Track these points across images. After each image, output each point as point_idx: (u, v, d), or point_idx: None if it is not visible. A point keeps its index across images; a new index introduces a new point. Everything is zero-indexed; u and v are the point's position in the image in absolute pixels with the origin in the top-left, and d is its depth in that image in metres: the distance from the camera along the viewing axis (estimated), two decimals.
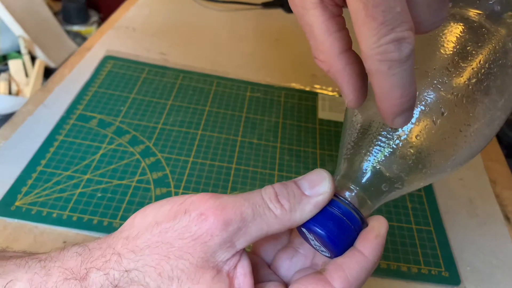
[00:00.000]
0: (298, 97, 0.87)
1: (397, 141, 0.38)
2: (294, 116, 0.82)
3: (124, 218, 0.60)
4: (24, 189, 0.62)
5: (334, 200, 0.39)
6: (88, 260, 0.35)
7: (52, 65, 1.90)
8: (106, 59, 0.88)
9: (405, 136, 0.38)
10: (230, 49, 0.99)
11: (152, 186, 0.65)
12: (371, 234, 0.38)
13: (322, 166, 0.73)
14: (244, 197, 0.36)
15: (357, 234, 0.39)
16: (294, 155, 0.74)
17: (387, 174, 0.39)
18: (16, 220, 0.58)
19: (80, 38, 2.18)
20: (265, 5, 1.17)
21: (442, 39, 0.39)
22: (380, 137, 0.39)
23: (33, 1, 1.94)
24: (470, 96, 0.38)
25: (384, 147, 0.39)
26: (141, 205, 0.62)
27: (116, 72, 0.85)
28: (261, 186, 0.67)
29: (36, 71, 1.79)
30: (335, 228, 0.37)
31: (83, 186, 0.63)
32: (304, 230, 0.39)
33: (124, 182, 0.65)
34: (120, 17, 1.02)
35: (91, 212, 0.60)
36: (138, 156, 0.69)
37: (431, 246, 0.64)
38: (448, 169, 0.41)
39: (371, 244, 0.38)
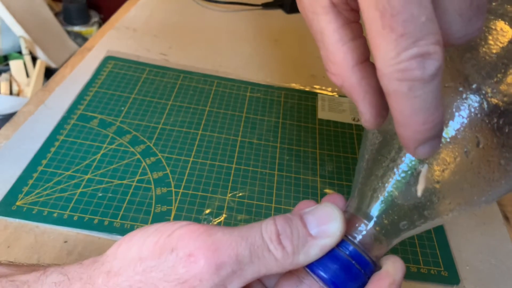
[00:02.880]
0: (298, 97, 0.87)
1: (422, 174, 0.33)
2: (294, 116, 0.82)
3: (124, 218, 0.60)
4: (25, 189, 0.62)
5: (343, 240, 0.35)
6: None
7: (53, 65, 1.90)
8: (107, 59, 0.88)
9: (430, 168, 0.33)
10: (230, 50, 0.99)
11: (152, 186, 0.65)
12: (384, 281, 0.34)
13: (322, 166, 0.73)
14: (241, 235, 0.32)
15: (368, 279, 0.34)
16: (294, 155, 0.74)
17: (407, 211, 0.35)
18: (17, 220, 0.58)
19: (80, 39, 2.18)
20: (265, 6, 1.17)
21: (481, 41, 0.33)
22: (401, 167, 0.34)
23: (34, 2, 1.94)
24: None
25: (405, 179, 0.34)
26: (141, 204, 0.62)
27: (116, 73, 0.85)
28: (261, 186, 0.67)
29: (37, 71, 1.79)
30: (341, 273, 0.33)
31: (84, 186, 0.63)
32: (307, 270, 0.35)
33: (124, 182, 0.65)
34: (121, 18, 1.02)
35: (92, 212, 0.60)
36: (138, 156, 0.69)
37: (430, 245, 0.64)
38: (482, 204, 0.35)
39: None
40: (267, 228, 0.33)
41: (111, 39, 0.95)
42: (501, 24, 0.32)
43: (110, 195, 0.63)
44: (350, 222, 0.36)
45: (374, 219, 0.35)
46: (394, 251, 0.62)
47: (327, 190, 0.69)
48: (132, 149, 0.70)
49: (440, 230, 0.66)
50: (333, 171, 0.72)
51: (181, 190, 0.65)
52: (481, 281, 0.61)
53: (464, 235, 0.66)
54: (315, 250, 0.33)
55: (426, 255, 0.63)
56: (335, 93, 0.89)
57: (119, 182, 0.65)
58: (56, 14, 2.18)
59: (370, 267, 0.35)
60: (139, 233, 0.34)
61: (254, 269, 0.31)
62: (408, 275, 0.60)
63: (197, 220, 0.61)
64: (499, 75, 0.31)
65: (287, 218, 0.33)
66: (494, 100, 0.30)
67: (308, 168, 0.72)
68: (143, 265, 0.31)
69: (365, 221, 0.35)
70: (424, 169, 0.33)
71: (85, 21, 2.26)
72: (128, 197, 0.63)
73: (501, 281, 0.61)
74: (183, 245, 0.31)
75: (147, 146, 0.71)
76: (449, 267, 0.62)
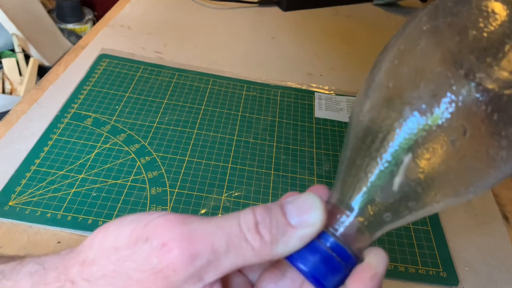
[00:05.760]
0: (295, 96, 0.87)
1: (405, 163, 0.32)
2: (291, 115, 0.82)
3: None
4: (18, 189, 0.61)
5: (324, 231, 0.34)
6: (39, 284, 0.32)
7: (46, 63, 1.90)
8: (101, 57, 0.87)
9: (415, 157, 0.32)
10: (226, 48, 0.98)
11: (147, 186, 0.65)
12: (366, 274, 0.33)
13: (319, 165, 0.73)
14: (217, 224, 0.31)
15: (349, 272, 0.33)
16: (290, 154, 0.74)
17: (391, 202, 0.34)
18: (9, 220, 0.58)
19: (74, 36, 2.17)
20: (261, 3, 1.17)
21: (471, 23, 0.32)
22: (384, 157, 0.33)
23: None
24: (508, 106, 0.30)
25: (388, 169, 0.33)
26: (136, 204, 0.62)
27: (111, 71, 0.84)
28: (257, 185, 0.67)
29: (30, 69, 1.78)
30: (321, 266, 0.33)
31: (77, 185, 0.63)
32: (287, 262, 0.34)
33: (119, 181, 0.65)
34: (115, 15, 1.02)
35: (86, 212, 0.60)
36: (133, 155, 0.69)
37: (429, 246, 0.64)
38: (469, 195, 0.34)
39: (366, 286, 0.32)
40: (245, 217, 0.32)
41: (105, 37, 0.94)
42: (492, 5, 0.32)
43: (104, 195, 0.63)
44: (332, 213, 0.35)
45: (356, 210, 0.34)
46: (391, 251, 0.62)
47: None
48: (126, 148, 0.70)
49: (438, 230, 0.66)
50: (330, 171, 0.72)
51: (176, 190, 0.65)
52: (481, 283, 0.61)
53: (463, 235, 0.66)
54: (294, 240, 0.32)
55: (425, 256, 0.63)
56: (332, 92, 0.89)
57: (113, 181, 0.65)
58: (49, 11, 2.17)
59: (352, 260, 0.34)
60: (116, 223, 0.33)
61: (231, 259, 0.31)
62: (406, 276, 0.60)
63: None
64: (488, 60, 0.30)
65: (267, 207, 0.33)
66: (483, 86, 0.30)
67: (305, 167, 0.72)
68: (117, 254, 0.31)
69: (347, 212, 0.34)
70: (404, 162, 0.32)
71: (79, 18, 2.25)
72: (122, 197, 0.63)
73: (501, 282, 0.61)
74: (158, 234, 0.31)
75: (142, 145, 0.71)
76: (448, 268, 0.62)
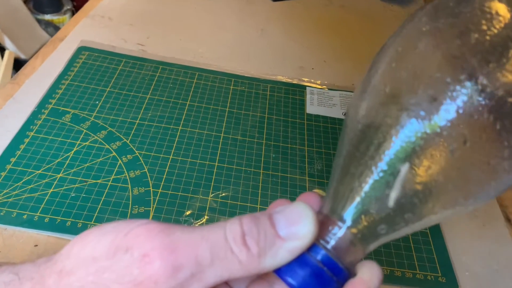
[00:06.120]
0: (285, 90, 0.87)
1: (402, 175, 0.32)
2: (281, 111, 0.83)
3: (99, 220, 0.60)
4: None
5: (315, 243, 0.33)
6: None
7: (22, 56, 1.89)
8: (80, 50, 0.87)
9: (412, 167, 0.32)
10: (212, 40, 0.99)
11: (129, 186, 0.65)
12: None
13: (310, 164, 0.73)
14: (202, 234, 0.31)
15: (341, 287, 0.33)
16: (280, 153, 0.74)
17: (386, 213, 0.33)
18: None
19: (52, 28, 2.16)
20: None
21: (474, 25, 0.31)
22: (379, 165, 0.32)
23: None
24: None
25: (384, 179, 0.32)
26: (117, 205, 0.62)
27: (91, 64, 0.85)
28: (245, 185, 0.67)
29: (5, 63, 1.77)
30: (311, 280, 0.32)
31: (55, 185, 0.63)
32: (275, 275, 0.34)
33: (99, 181, 0.65)
34: (95, 5, 1.02)
35: (64, 214, 0.60)
36: (114, 153, 0.69)
37: (427, 249, 0.64)
38: (469, 207, 0.34)
39: None
40: (232, 227, 0.31)
41: (85, 29, 0.94)
42: (496, 6, 0.31)
43: (84, 195, 0.63)
44: (323, 224, 0.34)
45: (349, 221, 0.34)
46: (388, 255, 0.63)
47: (316, 190, 0.69)
48: (107, 146, 0.70)
49: (437, 233, 0.66)
50: (322, 170, 0.73)
51: (160, 190, 0.65)
52: None
53: (463, 238, 0.67)
54: (283, 253, 0.31)
55: (423, 260, 0.63)
56: (324, 87, 0.89)
57: (94, 181, 0.65)
58: (26, 1, 2.16)
59: (344, 274, 0.33)
60: (95, 231, 0.33)
61: (215, 272, 0.31)
62: (403, 281, 0.61)
63: (177, 222, 0.61)
64: (491, 65, 0.30)
65: (254, 218, 0.32)
66: (485, 93, 0.29)
67: (296, 166, 0.73)
68: (96, 265, 0.31)
69: (340, 224, 0.34)
70: (401, 173, 0.32)
71: (57, 9, 2.24)
72: (103, 198, 0.63)
73: (503, 287, 0.62)
74: (139, 244, 0.30)
75: (124, 143, 0.71)
76: (447, 273, 0.62)
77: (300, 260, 0.32)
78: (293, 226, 0.32)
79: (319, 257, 0.33)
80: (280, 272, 0.33)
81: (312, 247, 0.33)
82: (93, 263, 0.31)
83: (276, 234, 0.31)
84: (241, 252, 0.31)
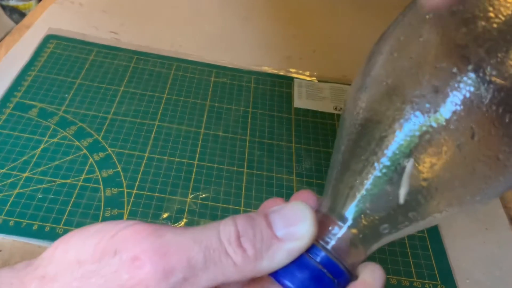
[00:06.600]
0: (271, 82, 0.87)
1: (408, 171, 0.32)
2: (266, 105, 0.82)
3: (69, 223, 0.60)
4: None
5: (314, 244, 0.33)
6: None
7: None
8: (48, 38, 0.87)
9: (417, 163, 0.32)
10: (192, 28, 0.98)
11: (101, 186, 0.64)
12: None
13: (298, 162, 0.73)
14: (194, 236, 0.31)
15: None
16: (265, 150, 0.74)
17: (389, 212, 0.33)
18: None
19: (17, 14, 2.15)
20: None
21: (480, 13, 0.31)
22: (382, 161, 0.33)
23: None
24: None
25: (386, 176, 0.33)
26: (88, 207, 0.62)
27: (59, 54, 0.84)
28: (228, 185, 0.67)
29: None
30: (311, 284, 0.32)
31: (21, 185, 0.63)
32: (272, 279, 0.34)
33: (69, 181, 0.64)
34: None
35: (31, 216, 0.60)
36: (85, 151, 0.68)
37: (425, 255, 0.64)
38: (476, 204, 0.34)
39: None
40: (226, 228, 0.32)
41: (53, 15, 0.94)
42: None
43: (52, 196, 0.62)
44: (322, 224, 0.34)
45: (350, 221, 0.34)
46: (382, 262, 0.62)
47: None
48: (77, 143, 0.69)
49: (436, 237, 0.66)
50: (311, 168, 0.72)
51: (134, 191, 0.65)
52: None
53: (464, 243, 0.67)
54: (281, 255, 0.32)
55: (420, 267, 0.63)
56: (313, 78, 0.89)
57: (63, 181, 0.64)
58: None
59: (345, 277, 0.34)
60: (79, 233, 0.33)
61: (209, 276, 0.31)
62: None
63: None
64: (500, 55, 0.29)
65: (250, 218, 0.32)
66: (494, 84, 0.29)
67: (283, 165, 0.72)
68: (81, 269, 0.31)
69: (340, 223, 0.34)
70: (408, 168, 0.32)
71: None
72: (72, 199, 0.62)
73: None
74: (128, 247, 0.30)
75: (95, 140, 0.70)
76: (447, 280, 0.62)
77: (299, 262, 0.33)
78: (291, 226, 0.32)
79: (318, 258, 0.33)
80: (277, 275, 0.33)
81: (311, 248, 0.33)
82: (78, 267, 0.31)
83: (273, 234, 0.32)
84: (236, 255, 0.31)
